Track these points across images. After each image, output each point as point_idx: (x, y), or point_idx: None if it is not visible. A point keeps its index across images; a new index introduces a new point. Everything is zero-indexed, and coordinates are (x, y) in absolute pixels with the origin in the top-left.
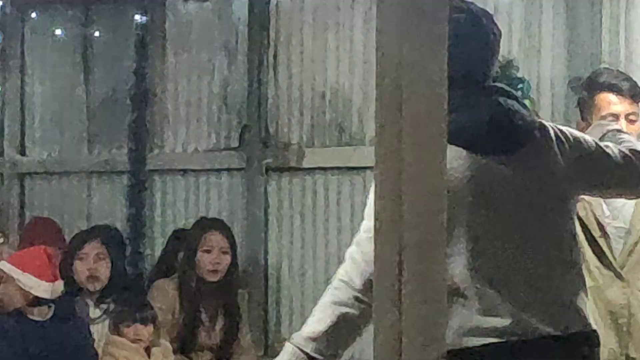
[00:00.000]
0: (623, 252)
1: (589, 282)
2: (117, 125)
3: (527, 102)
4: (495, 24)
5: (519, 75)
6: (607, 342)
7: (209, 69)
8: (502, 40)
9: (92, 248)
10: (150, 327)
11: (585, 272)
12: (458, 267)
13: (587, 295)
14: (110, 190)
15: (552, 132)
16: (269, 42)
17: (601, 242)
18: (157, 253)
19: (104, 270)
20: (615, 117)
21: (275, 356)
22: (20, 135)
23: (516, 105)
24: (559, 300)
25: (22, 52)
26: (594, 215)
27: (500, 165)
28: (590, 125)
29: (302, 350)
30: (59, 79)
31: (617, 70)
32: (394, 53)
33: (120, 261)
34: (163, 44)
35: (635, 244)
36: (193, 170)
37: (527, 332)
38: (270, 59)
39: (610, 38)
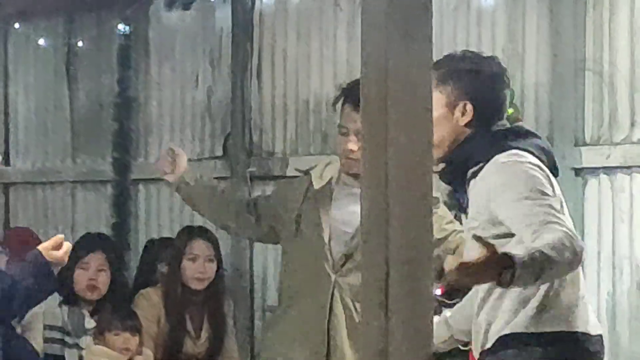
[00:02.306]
0: (342, 256)
1: (306, 282)
2: (101, 134)
3: (511, 110)
4: None
5: None
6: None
7: (192, 78)
8: (486, 45)
9: (95, 259)
10: (137, 337)
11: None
12: None
13: None
14: (94, 199)
15: None
16: (252, 51)
17: (321, 243)
18: None
19: (103, 281)
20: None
21: None
22: (4, 145)
23: None
24: None
25: (6, 63)
26: (320, 218)
27: None
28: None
29: None
30: (42, 89)
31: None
32: (378, 60)
33: (119, 272)
34: (146, 53)
35: (355, 250)
36: None
37: None
38: (254, 67)
39: (594, 44)
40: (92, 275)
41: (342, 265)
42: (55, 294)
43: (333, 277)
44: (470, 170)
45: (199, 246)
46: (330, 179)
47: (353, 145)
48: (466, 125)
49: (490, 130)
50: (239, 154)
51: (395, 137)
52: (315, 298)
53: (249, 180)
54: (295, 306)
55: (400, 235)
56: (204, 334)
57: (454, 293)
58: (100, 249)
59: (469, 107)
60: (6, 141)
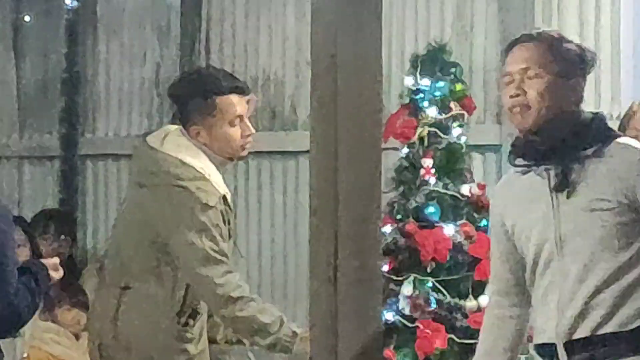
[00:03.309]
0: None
1: None
2: (49, 110)
3: (459, 86)
4: None
5: (452, 59)
6: None
7: (141, 53)
8: (434, 24)
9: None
10: (86, 313)
11: None
12: None
13: None
14: (41, 175)
15: None
16: (200, 26)
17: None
18: (89, 238)
19: (23, 256)
20: (241, 117)
21: (209, 341)
22: None
23: None
24: None
25: None
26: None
27: None
28: None
29: None
30: None
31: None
32: (328, 36)
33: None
34: (94, 28)
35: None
36: (125, 155)
37: None
38: (203, 43)
39: (543, 21)
40: None
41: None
42: None
43: None
44: (590, 150)
45: None
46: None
47: (250, 127)
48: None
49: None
50: None
51: (344, 113)
52: None
53: None
54: None
55: (348, 211)
56: None
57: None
58: (17, 224)
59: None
60: None
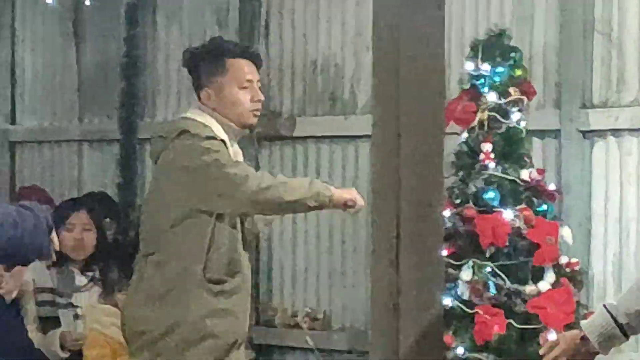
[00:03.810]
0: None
1: (244, 260)
2: (108, 94)
3: (518, 71)
4: None
5: (512, 44)
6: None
7: (200, 37)
8: (494, 9)
9: (79, 218)
10: None
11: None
12: None
13: None
14: (101, 158)
15: None
16: (260, 11)
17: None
18: None
19: (89, 241)
20: (251, 82)
21: (267, 324)
22: (11, 104)
23: None
24: None
25: (13, 22)
26: None
27: None
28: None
29: (615, 321)
30: (50, 48)
31: None
32: (391, 20)
33: (116, 226)
34: (154, 12)
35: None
36: None
37: None
38: (262, 28)
39: (603, 5)
40: (78, 235)
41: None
42: None
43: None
44: None
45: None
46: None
47: (262, 95)
48: None
49: None
50: None
51: (406, 97)
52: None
53: (256, 141)
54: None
55: (411, 193)
56: None
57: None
58: (84, 208)
59: None
60: (13, 100)
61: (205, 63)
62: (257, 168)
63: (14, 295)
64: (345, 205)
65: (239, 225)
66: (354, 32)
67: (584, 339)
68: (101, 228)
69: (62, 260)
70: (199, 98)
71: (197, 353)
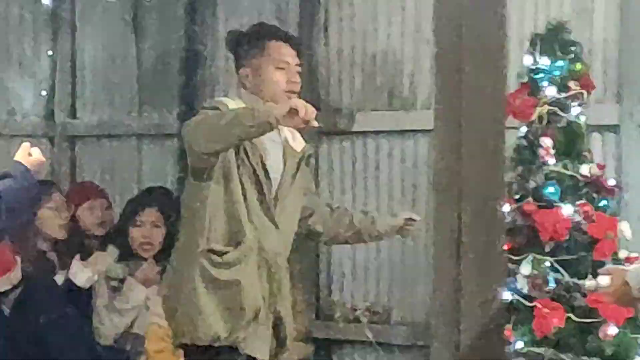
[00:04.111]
0: (275, 203)
1: (252, 226)
2: (168, 88)
3: (578, 65)
4: None
5: (571, 38)
6: (263, 292)
7: None
8: (554, 3)
9: (149, 215)
10: None
11: (247, 223)
12: None
13: None
14: (160, 153)
15: None
16: (319, 5)
17: (265, 189)
18: None
19: (158, 237)
20: (287, 64)
21: (327, 318)
22: (71, 99)
23: None
24: None
25: (73, 16)
26: (262, 163)
27: None
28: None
29: None
30: (109, 42)
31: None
32: (453, 15)
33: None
34: (214, 7)
35: (285, 198)
36: None
37: None
38: (321, 22)
39: None
40: (147, 233)
41: (277, 213)
42: (114, 249)
43: (279, 225)
44: None
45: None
46: None
47: (298, 77)
48: None
49: None
50: None
51: (468, 91)
52: (261, 243)
53: (316, 136)
54: (251, 250)
55: (472, 188)
56: None
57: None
58: (155, 204)
59: None
60: (73, 94)
61: (245, 44)
62: (316, 162)
63: (92, 281)
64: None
65: (243, 192)
66: (413, 26)
67: (627, 284)
68: (169, 224)
69: (130, 255)
70: (238, 76)
71: (204, 325)
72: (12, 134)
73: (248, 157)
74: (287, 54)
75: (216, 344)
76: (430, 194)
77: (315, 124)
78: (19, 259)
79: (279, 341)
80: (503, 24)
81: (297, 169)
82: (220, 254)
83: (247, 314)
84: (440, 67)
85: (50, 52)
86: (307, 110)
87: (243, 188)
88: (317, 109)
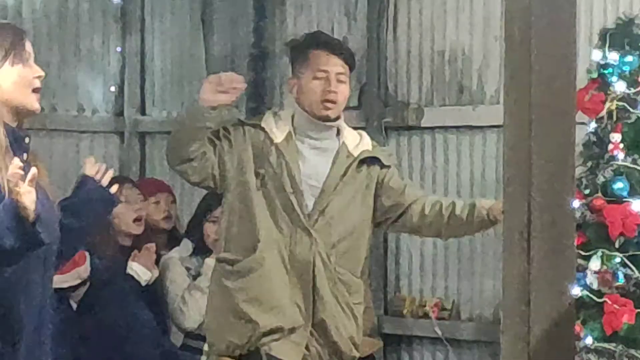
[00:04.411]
0: (314, 210)
1: (276, 235)
2: None
3: None
4: None
5: None
6: (295, 298)
7: (328, 28)
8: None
9: None
10: None
11: (275, 226)
12: None
13: None
14: None
15: None
16: (388, 2)
17: (292, 198)
18: None
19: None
20: (326, 72)
21: (395, 314)
22: (140, 95)
23: None
24: None
25: (142, 13)
26: (289, 172)
27: None
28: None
29: None
30: (178, 39)
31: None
32: (522, 9)
33: None
34: (282, 3)
35: (327, 205)
36: None
37: None
38: (390, 17)
39: None
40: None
41: (316, 221)
42: (189, 243)
43: (312, 232)
44: None
45: None
46: (289, 132)
47: (334, 86)
48: None
49: None
50: (374, 104)
51: (538, 85)
52: (291, 252)
53: (384, 131)
54: (267, 259)
55: (542, 183)
56: None
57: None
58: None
59: None
60: (142, 91)
61: (295, 54)
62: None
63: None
64: None
65: (266, 202)
66: (482, 22)
67: None
68: None
69: (204, 250)
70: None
71: (217, 333)
72: (82, 130)
73: (273, 167)
74: (328, 62)
75: (235, 353)
76: (499, 190)
77: (240, 85)
78: (87, 254)
79: (330, 345)
80: (573, 18)
81: (345, 173)
82: (232, 262)
83: (264, 320)
84: (509, 63)
85: (119, 49)
86: (223, 78)
87: (265, 198)
88: (386, 104)
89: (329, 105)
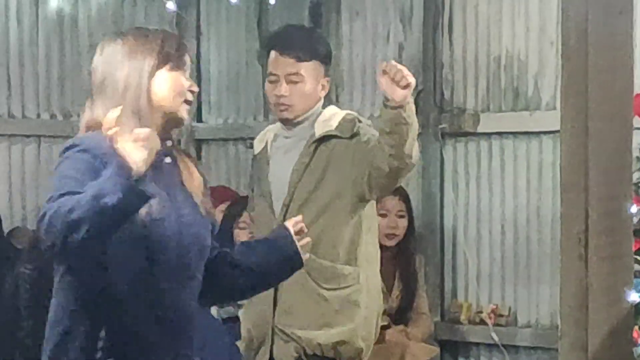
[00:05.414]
0: (282, 208)
1: None
2: None
3: None
4: None
5: None
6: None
7: (383, 34)
8: None
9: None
10: None
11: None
12: None
13: None
14: None
15: None
16: (443, 7)
17: (268, 205)
18: None
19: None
20: (275, 75)
21: (452, 320)
22: (196, 102)
23: None
24: None
25: (198, 20)
26: (260, 181)
27: None
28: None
29: None
30: (234, 46)
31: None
32: (579, 14)
33: None
34: (337, 9)
35: (291, 198)
36: None
37: None
38: (445, 23)
39: None
40: (249, 234)
41: (284, 218)
42: None
43: None
44: None
45: (390, 202)
46: (266, 142)
47: (284, 90)
48: None
49: None
50: (430, 110)
51: (595, 90)
52: None
53: (440, 137)
54: None
55: (599, 188)
56: (396, 291)
57: None
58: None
59: None
60: (198, 98)
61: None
62: (441, 164)
63: None
64: None
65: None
66: (537, 28)
67: None
68: None
69: None
70: None
71: None
72: None
73: (254, 178)
74: (277, 64)
75: None
76: (556, 196)
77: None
78: None
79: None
80: (630, 23)
81: (311, 158)
82: None
83: (250, 333)
84: (566, 68)
85: None
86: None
87: (257, 207)
88: (442, 110)
89: (281, 108)
